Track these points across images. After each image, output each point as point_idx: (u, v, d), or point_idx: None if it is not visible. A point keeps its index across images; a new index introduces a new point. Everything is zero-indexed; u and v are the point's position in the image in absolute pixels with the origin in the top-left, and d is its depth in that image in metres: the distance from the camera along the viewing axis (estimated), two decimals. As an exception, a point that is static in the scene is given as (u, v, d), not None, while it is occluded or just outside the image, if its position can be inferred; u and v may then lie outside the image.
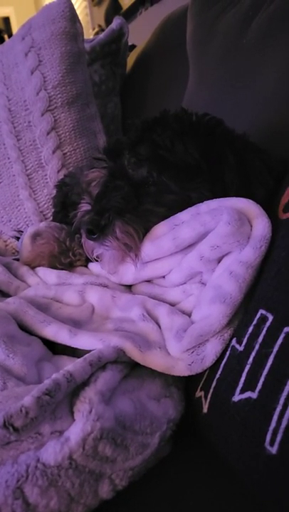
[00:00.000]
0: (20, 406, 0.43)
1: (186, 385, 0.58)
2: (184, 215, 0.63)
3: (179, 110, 0.71)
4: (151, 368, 0.56)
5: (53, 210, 1.23)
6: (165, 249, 0.62)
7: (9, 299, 0.67)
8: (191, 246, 0.62)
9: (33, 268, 0.84)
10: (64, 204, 1.12)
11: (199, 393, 0.54)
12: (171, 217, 0.64)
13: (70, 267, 0.83)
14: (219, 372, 0.52)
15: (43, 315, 0.61)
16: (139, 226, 0.64)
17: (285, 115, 0.87)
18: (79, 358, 0.58)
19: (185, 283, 0.65)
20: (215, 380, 0.52)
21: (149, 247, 0.63)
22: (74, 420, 0.46)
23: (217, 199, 0.62)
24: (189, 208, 0.63)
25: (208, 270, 0.60)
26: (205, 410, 0.52)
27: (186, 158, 0.63)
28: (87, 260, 0.84)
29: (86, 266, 0.84)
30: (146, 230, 0.65)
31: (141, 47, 1.84)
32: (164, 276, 0.68)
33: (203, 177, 0.64)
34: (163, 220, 0.65)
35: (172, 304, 0.63)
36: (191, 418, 0.54)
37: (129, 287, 0.71)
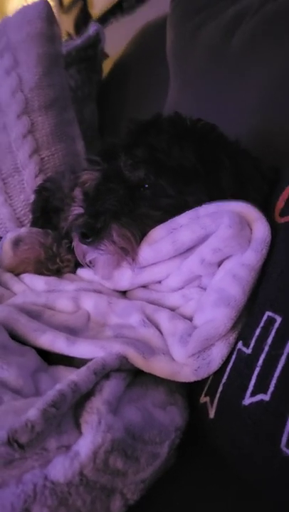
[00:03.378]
0: (26, 420, 0.40)
1: (189, 391, 0.56)
2: (182, 219, 0.62)
3: (173, 114, 0.70)
4: (153, 375, 0.54)
5: (31, 215, 1.19)
6: (164, 253, 0.61)
7: (-4, 307, 0.63)
8: (189, 250, 0.61)
9: (16, 275, 0.80)
10: (45, 209, 1.09)
11: (204, 399, 0.53)
12: (168, 221, 0.63)
13: (57, 273, 0.80)
14: (226, 376, 0.51)
15: (36, 323, 0.58)
16: (136, 229, 0.62)
17: (269, 123, 0.89)
18: (77, 368, 0.56)
19: (183, 287, 0.63)
20: (221, 384, 0.51)
21: (146, 251, 0.62)
22: (80, 433, 0.43)
23: (215, 203, 0.61)
24: (187, 212, 0.62)
25: (208, 274, 0.60)
26: (212, 416, 0.51)
27: (183, 161, 0.63)
28: (76, 266, 0.81)
29: (74, 272, 0.81)
30: (142, 234, 0.63)
31: (117, 55, 1.84)
32: (160, 281, 0.66)
33: (200, 181, 0.64)
34: (159, 223, 0.64)
35: (171, 309, 0.62)
36: (196, 424, 0.53)
37: (123, 293, 0.69)
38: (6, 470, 0.40)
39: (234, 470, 0.48)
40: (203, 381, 0.54)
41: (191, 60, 1.21)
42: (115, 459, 0.42)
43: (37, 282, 0.73)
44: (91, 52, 1.72)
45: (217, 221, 0.58)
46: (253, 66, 0.97)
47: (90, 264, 0.69)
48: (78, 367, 0.56)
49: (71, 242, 0.81)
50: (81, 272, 0.77)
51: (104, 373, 0.49)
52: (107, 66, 1.88)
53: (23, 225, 1.30)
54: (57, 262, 0.80)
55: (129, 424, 0.45)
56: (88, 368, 0.48)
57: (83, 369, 0.48)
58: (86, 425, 0.43)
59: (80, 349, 0.54)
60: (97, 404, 0.45)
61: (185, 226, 0.61)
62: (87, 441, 0.41)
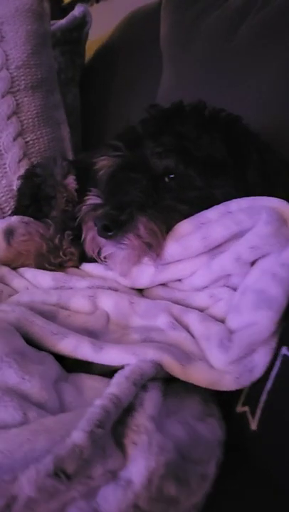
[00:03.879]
0: (72, 445, 0.34)
1: (221, 399, 0.52)
2: (211, 213, 0.57)
3: (197, 102, 0.65)
4: (184, 383, 0.49)
5: (17, 203, 1.10)
6: (192, 250, 0.56)
7: (4, 306, 0.56)
8: (217, 247, 0.57)
9: (13, 269, 0.73)
10: (35, 197, 1.00)
11: (242, 408, 0.49)
12: (196, 215, 0.58)
13: (59, 267, 0.73)
14: (270, 383, 0.47)
15: (54, 325, 0.52)
16: (162, 223, 0.57)
17: (276, 118, 0.87)
18: (99, 375, 0.50)
19: (207, 287, 0.59)
20: (265, 392, 0.47)
21: (173, 247, 0.57)
22: (125, 456, 0.38)
23: (247, 198, 0.57)
24: (216, 206, 0.58)
25: (240, 273, 0.56)
26: (254, 427, 0.47)
27: (213, 152, 0.58)
28: (80, 260, 0.74)
29: (77, 267, 0.74)
30: (168, 228, 0.58)
31: (101, 40, 1.76)
32: (180, 280, 0.61)
33: (228, 174, 0.59)
34: (185, 218, 0.59)
35: (198, 310, 0.57)
36: (234, 436, 0.49)
37: (139, 291, 0.64)
38: (44, 504, 0.34)
39: (280, 488, 0.44)
40: (239, 389, 0.50)
41: (190, 49, 1.16)
42: (169, 484, 0.37)
43: (42, 278, 0.66)
44: (76, 34, 1.62)
45: (254, 217, 0.54)
46: (260, 61, 0.94)
47: (105, 259, 0.63)
48: (96, 373, 0.51)
49: (77, 233, 0.74)
50: (87, 267, 0.71)
51: (142, 383, 0.44)
52: (88, 50, 1.79)
53: (3, 213, 1.20)
54: (60, 256, 0.73)
55: (178, 443, 0.40)
56: (127, 379, 0.42)
57: (121, 380, 0.42)
58: (134, 447, 0.37)
59: (108, 355, 0.48)
60: (142, 420, 0.40)
61: (216, 221, 0.56)
62: (140, 467, 0.36)
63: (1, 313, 0.53)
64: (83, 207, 0.62)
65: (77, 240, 0.75)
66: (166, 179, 0.60)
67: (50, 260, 0.72)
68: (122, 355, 0.48)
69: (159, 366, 0.47)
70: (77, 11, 1.60)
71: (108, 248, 0.60)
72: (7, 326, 0.50)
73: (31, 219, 0.90)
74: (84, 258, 0.74)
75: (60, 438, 0.37)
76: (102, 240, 0.60)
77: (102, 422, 0.37)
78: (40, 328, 0.51)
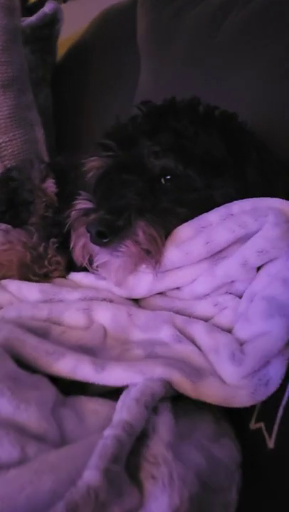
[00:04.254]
0: (86, 487, 0.29)
1: (232, 416, 0.49)
2: (212, 216, 0.54)
3: (191, 99, 0.62)
4: (194, 401, 0.45)
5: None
6: (195, 255, 0.53)
7: (-11, 324, 0.50)
8: (219, 252, 0.54)
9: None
10: (12, 202, 0.94)
11: (256, 425, 0.46)
12: (195, 218, 0.55)
13: (44, 278, 0.68)
14: (286, 398, 0.44)
15: (48, 344, 0.46)
16: (161, 228, 0.53)
17: (264, 116, 0.85)
18: (98, 396, 0.46)
19: (209, 294, 0.56)
20: (281, 407, 0.44)
21: (174, 253, 0.53)
22: (143, 492, 0.33)
23: (250, 199, 0.54)
24: (217, 209, 0.55)
25: (245, 279, 0.53)
26: (271, 445, 0.44)
27: (212, 150, 0.55)
28: (66, 270, 0.69)
29: (64, 277, 0.69)
30: (167, 233, 0.54)
31: (73, 38, 1.70)
32: (178, 288, 0.58)
33: (228, 174, 0.56)
34: (183, 221, 0.55)
35: (202, 320, 0.53)
36: (249, 456, 0.45)
37: (135, 301, 0.59)
38: None
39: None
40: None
41: (169, 48, 1.13)
42: (194, 521, 0.33)
43: (28, 290, 0.60)
44: (47, 31, 1.57)
45: (259, 219, 0.51)
46: (245, 58, 0.92)
47: (97, 268, 0.58)
48: (93, 392, 0.47)
49: (62, 240, 0.69)
50: (76, 277, 0.66)
51: (153, 406, 0.40)
52: (59, 49, 1.73)
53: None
54: (45, 265, 0.68)
55: (197, 471, 0.36)
56: (138, 401, 0.38)
57: (132, 403, 0.38)
58: (154, 482, 0.33)
59: (111, 375, 0.44)
60: (159, 449, 0.35)
61: (219, 224, 0.53)
62: (163, 506, 0.31)
63: (-14, 332, 0.48)
64: (72, 212, 0.57)
65: (62, 247, 0.70)
66: (163, 180, 0.56)
67: (35, 270, 0.67)
68: (127, 374, 0.43)
69: (168, 384, 0.43)
70: (48, 7, 1.54)
71: (102, 256, 0.55)
72: (-4, 348, 0.44)
73: (9, 226, 0.84)
74: (71, 267, 0.69)
75: (68, 477, 0.33)
76: (95, 248, 0.55)
77: (117, 456, 0.32)
78: (34, 348, 0.45)
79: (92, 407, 0.44)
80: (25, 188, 0.95)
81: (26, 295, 0.60)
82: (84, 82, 1.57)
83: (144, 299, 0.59)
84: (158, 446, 0.36)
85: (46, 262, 0.68)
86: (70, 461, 0.35)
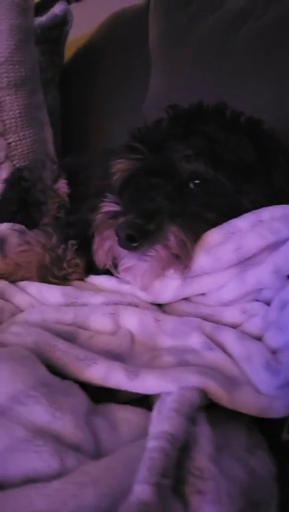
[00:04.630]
0: (138, 502, 0.28)
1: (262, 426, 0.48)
2: (241, 222, 0.53)
3: (218, 103, 0.61)
4: (224, 410, 0.44)
5: (1, 209, 1.01)
6: (224, 261, 0.52)
7: (15, 328, 0.49)
8: (248, 259, 0.53)
9: (11, 282, 0.65)
10: (24, 202, 0.93)
11: (289, 436, 0.45)
12: (224, 224, 0.54)
13: (63, 280, 0.67)
14: None
15: (80, 349, 0.45)
16: (191, 233, 0.52)
17: (276, 124, 0.85)
18: (128, 403, 0.45)
19: (235, 301, 0.55)
20: (316, 418, 0.43)
21: (203, 258, 0.52)
22: (188, 508, 0.32)
23: (279, 206, 0.54)
24: (246, 215, 0.54)
25: (275, 286, 0.52)
26: (305, 458, 0.43)
27: (243, 156, 0.55)
28: (85, 272, 0.68)
29: (82, 279, 0.68)
30: (196, 238, 0.54)
31: (79, 40, 1.70)
32: (203, 294, 0.57)
33: (257, 179, 0.56)
34: (212, 227, 0.55)
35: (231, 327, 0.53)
36: (282, 468, 0.44)
37: (159, 307, 0.58)
38: None
39: None
40: (283, 414, 0.46)
41: (183, 52, 1.13)
42: (241, 538, 0.32)
43: (49, 293, 0.59)
44: (56, 33, 1.56)
45: (293, 226, 0.50)
46: (261, 65, 0.92)
47: (123, 272, 0.57)
48: (122, 401, 0.46)
49: (81, 243, 0.68)
50: (97, 280, 0.65)
51: (192, 416, 0.39)
52: (67, 51, 1.72)
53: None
54: (64, 267, 0.67)
55: (242, 486, 0.35)
56: (178, 412, 0.37)
57: (172, 414, 0.37)
58: (201, 497, 0.32)
59: (145, 383, 0.42)
60: (204, 462, 0.34)
61: (249, 231, 0.52)
62: (214, 522, 0.30)
63: (14, 336, 0.46)
64: (99, 215, 0.56)
65: (81, 249, 0.69)
66: (191, 185, 0.55)
67: (54, 273, 0.65)
68: (161, 382, 0.42)
69: (202, 394, 0.42)
70: (58, 8, 1.53)
71: (129, 260, 0.54)
72: (26, 353, 0.43)
73: (23, 227, 0.83)
74: (90, 270, 0.68)
75: (110, 491, 0.32)
76: (122, 251, 0.54)
77: (166, 469, 0.31)
78: (64, 354, 0.44)
79: (124, 415, 0.43)
80: (38, 189, 0.94)
81: (48, 298, 0.59)
82: (92, 83, 1.57)
83: (168, 304, 0.58)
84: (202, 459, 0.35)
85: (65, 264, 0.67)
86: (110, 473, 0.33)
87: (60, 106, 1.64)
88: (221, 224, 0.55)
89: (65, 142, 1.61)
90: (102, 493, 0.31)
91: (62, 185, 0.95)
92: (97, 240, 0.58)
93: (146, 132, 0.59)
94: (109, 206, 0.56)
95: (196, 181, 0.55)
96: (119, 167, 0.59)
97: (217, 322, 0.53)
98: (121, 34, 1.51)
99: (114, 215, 0.54)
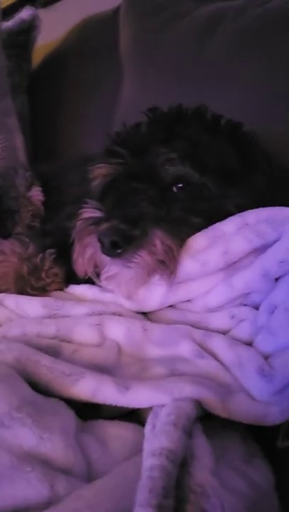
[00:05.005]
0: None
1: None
2: (226, 226, 0.53)
3: (198, 107, 0.61)
4: (218, 419, 0.43)
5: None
6: (211, 266, 0.51)
7: (-6, 344, 0.45)
8: (234, 263, 0.52)
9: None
10: (-5, 211, 0.89)
11: (285, 443, 0.44)
12: (209, 228, 0.53)
13: (42, 292, 0.63)
14: (316, 413, 0.43)
15: (65, 364, 0.42)
16: (176, 238, 0.51)
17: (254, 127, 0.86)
18: (116, 418, 0.42)
19: (222, 306, 0.54)
20: (311, 424, 0.42)
21: (190, 264, 0.51)
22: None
23: (264, 208, 0.53)
24: (231, 218, 0.53)
25: (263, 290, 0.51)
26: (303, 464, 0.42)
27: (226, 159, 0.54)
28: (64, 282, 0.65)
29: (62, 290, 0.65)
30: (181, 243, 0.52)
31: (47, 46, 1.68)
32: (189, 300, 0.56)
33: (240, 183, 0.55)
34: (196, 231, 0.53)
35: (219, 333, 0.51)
36: (278, 476, 0.43)
37: (144, 315, 0.56)
38: None
39: None
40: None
41: (156, 59, 1.13)
42: None
43: (28, 305, 0.56)
44: (23, 38, 1.53)
45: (278, 229, 0.50)
46: (236, 72, 0.93)
47: (105, 280, 0.55)
48: (107, 416, 0.43)
49: (61, 251, 0.65)
50: (77, 290, 0.62)
51: (190, 429, 0.37)
52: (35, 56, 1.69)
53: None
54: (42, 278, 0.63)
55: (245, 500, 0.34)
56: (176, 426, 0.35)
57: (169, 428, 0.35)
58: (204, 515, 0.30)
59: (136, 396, 0.40)
60: (204, 477, 0.32)
61: (235, 234, 0.51)
62: None
63: (-7, 352, 0.43)
64: (79, 221, 0.54)
65: (59, 258, 0.66)
66: (174, 189, 0.54)
67: (32, 283, 0.62)
68: (154, 395, 0.40)
69: (197, 404, 0.40)
70: (25, 13, 1.50)
71: (112, 267, 0.52)
72: (8, 371, 0.40)
73: (-4, 236, 0.79)
74: (69, 280, 0.65)
75: (109, 516, 0.29)
76: (105, 258, 0.52)
77: (167, 489, 0.29)
78: (49, 369, 0.41)
79: (115, 431, 0.41)
80: (10, 196, 0.90)
81: (27, 310, 0.56)
82: (62, 89, 1.54)
83: (153, 312, 0.56)
84: (202, 474, 0.33)
85: (44, 274, 0.63)
86: (107, 497, 0.31)
87: (30, 112, 1.60)
88: (205, 228, 0.54)
89: (33, 149, 1.58)
90: (97, 508, 0.29)
91: (36, 193, 0.92)
92: (77, 247, 0.56)
93: (127, 136, 0.57)
94: (90, 212, 0.53)
95: (179, 185, 0.54)
96: (100, 172, 0.57)
97: (205, 329, 0.52)
98: (90, 40, 1.50)
99: (96, 222, 0.52)
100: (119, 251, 0.49)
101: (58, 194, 0.93)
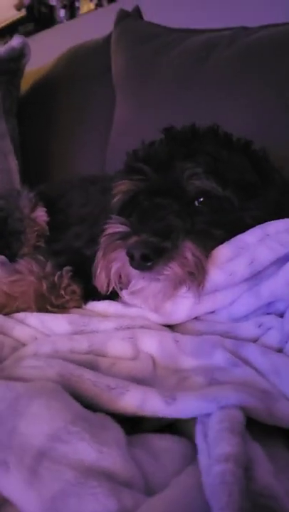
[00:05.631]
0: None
1: None
2: (248, 237, 0.55)
3: (210, 125, 0.63)
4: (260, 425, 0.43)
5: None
6: (238, 276, 0.52)
7: (30, 362, 0.44)
8: (258, 273, 0.54)
9: (5, 315, 0.60)
10: (0, 232, 0.88)
11: None
12: (232, 240, 0.55)
13: (61, 309, 0.63)
14: None
15: (110, 378, 0.42)
16: (204, 250, 0.52)
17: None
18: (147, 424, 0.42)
19: (246, 316, 0.55)
20: None
21: (217, 275, 0.52)
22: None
23: (281, 220, 0.56)
24: (252, 230, 0.55)
25: (286, 298, 0.53)
26: None
27: (245, 174, 0.56)
28: (83, 299, 0.65)
29: (80, 307, 0.65)
30: (208, 255, 0.53)
31: (39, 73, 1.71)
32: (212, 311, 0.56)
33: (258, 197, 0.58)
34: (220, 243, 0.55)
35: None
36: None
37: (170, 328, 0.57)
38: None
39: None
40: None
41: (152, 83, 1.17)
42: None
43: (54, 323, 0.55)
44: (13, 65, 1.56)
45: (300, 238, 0.52)
46: (231, 95, 0.98)
47: (133, 294, 0.55)
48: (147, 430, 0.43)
49: (75, 270, 0.65)
50: (98, 306, 0.62)
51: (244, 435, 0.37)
52: (24, 82, 1.72)
53: None
54: (61, 295, 0.63)
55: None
56: (233, 432, 0.35)
57: (226, 435, 0.35)
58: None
59: (183, 406, 0.40)
60: (269, 480, 0.33)
61: (258, 245, 0.53)
62: None
63: (34, 370, 0.42)
64: (104, 237, 0.54)
65: (76, 276, 0.66)
66: (196, 203, 0.56)
67: (52, 301, 0.62)
68: (200, 404, 0.40)
69: (243, 412, 0.41)
70: (16, 42, 1.53)
71: (140, 281, 0.53)
72: (55, 386, 0.39)
73: (3, 257, 0.78)
74: (87, 296, 0.65)
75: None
76: (132, 272, 0.52)
77: (244, 492, 0.29)
78: (93, 384, 0.41)
79: (162, 444, 0.40)
80: (15, 218, 0.90)
81: (53, 328, 0.55)
82: (52, 114, 1.57)
83: (179, 325, 0.57)
84: (266, 477, 0.33)
85: (62, 292, 0.63)
86: (177, 506, 0.31)
87: (19, 136, 1.62)
88: (227, 240, 0.55)
89: (23, 172, 1.59)
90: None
91: (41, 214, 0.92)
92: (100, 262, 0.56)
93: (147, 153, 0.59)
94: (115, 227, 0.54)
95: (200, 199, 0.56)
96: (121, 188, 0.58)
97: (234, 338, 0.53)
98: (81, 66, 1.54)
99: (124, 236, 0.52)
100: (149, 264, 0.50)
101: (63, 214, 0.93)
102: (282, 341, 0.51)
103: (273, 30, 0.96)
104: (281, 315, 0.54)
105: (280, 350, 0.51)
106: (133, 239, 0.51)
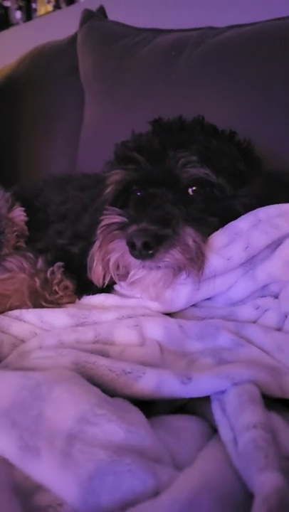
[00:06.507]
0: (273, 490, 0.27)
1: None
2: (241, 223, 0.56)
3: (196, 117, 0.65)
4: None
5: None
6: (235, 261, 0.54)
7: (40, 353, 0.44)
8: (253, 257, 0.56)
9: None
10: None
11: None
12: (226, 226, 0.57)
13: (55, 305, 0.62)
14: None
15: (125, 363, 0.42)
16: (202, 236, 0.53)
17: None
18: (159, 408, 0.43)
19: (245, 299, 0.57)
20: None
21: (216, 260, 0.54)
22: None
23: (271, 206, 0.58)
24: (244, 216, 0.57)
25: (283, 279, 0.55)
26: None
27: (235, 162, 0.58)
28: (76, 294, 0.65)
29: (73, 302, 0.64)
30: (205, 241, 0.55)
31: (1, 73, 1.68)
32: (209, 298, 0.58)
33: (246, 184, 0.60)
34: (214, 230, 0.57)
35: (247, 324, 0.54)
36: None
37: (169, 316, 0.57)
38: None
39: None
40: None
41: (123, 82, 1.18)
42: None
43: (53, 317, 0.55)
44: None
45: (291, 222, 0.54)
46: (201, 92, 1.01)
47: (130, 284, 0.55)
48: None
49: (65, 265, 0.65)
50: (94, 300, 0.62)
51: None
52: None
53: None
54: (55, 291, 0.62)
55: None
56: (254, 403, 0.37)
57: (248, 406, 0.36)
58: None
59: (199, 385, 0.41)
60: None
61: (252, 230, 0.55)
62: None
63: (47, 360, 0.41)
64: (101, 228, 0.54)
65: (68, 271, 0.65)
66: (190, 191, 0.57)
67: (46, 297, 0.61)
68: (215, 381, 0.41)
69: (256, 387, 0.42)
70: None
71: (140, 271, 0.53)
72: (73, 374, 0.38)
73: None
74: (81, 291, 0.64)
75: (222, 491, 0.30)
76: (132, 262, 0.53)
77: (277, 454, 0.30)
78: (109, 369, 0.41)
79: (181, 424, 0.41)
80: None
81: (52, 322, 0.54)
82: (16, 115, 1.55)
83: (178, 312, 0.57)
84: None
85: (56, 287, 0.62)
86: (212, 475, 0.31)
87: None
88: (221, 227, 0.57)
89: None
90: (217, 495, 0.29)
91: (19, 213, 0.90)
92: (97, 254, 0.56)
93: (139, 143, 0.59)
94: (112, 218, 0.54)
95: (193, 188, 0.57)
96: (115, 178, 0.58)
97: (234, 321, 0.54)
98: (46, 67, 1.53)
99: (122, 226, 0.53)
100: (150, 252, 0.50)
101: (42, 213, 0.92)
102: (280, 321, 0.53)
103: (240, 30, 1.00)
104: (276, 297, 0.56)
105: (278, 330, 0.53)
106: (133, 228, 0.51)
